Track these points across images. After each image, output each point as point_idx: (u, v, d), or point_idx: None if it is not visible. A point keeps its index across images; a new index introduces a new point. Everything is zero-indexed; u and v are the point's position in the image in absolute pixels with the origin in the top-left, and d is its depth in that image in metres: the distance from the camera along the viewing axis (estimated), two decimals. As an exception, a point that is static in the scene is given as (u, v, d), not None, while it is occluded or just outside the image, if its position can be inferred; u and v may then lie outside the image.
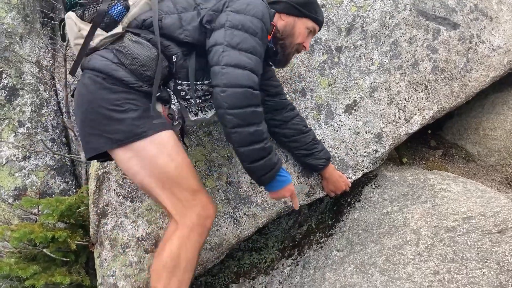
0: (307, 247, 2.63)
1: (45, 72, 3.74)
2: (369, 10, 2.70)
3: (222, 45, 1.74)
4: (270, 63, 2.21)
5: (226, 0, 1.87)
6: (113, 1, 1.85)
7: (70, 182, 3.57)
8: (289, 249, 2.75)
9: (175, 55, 1.85)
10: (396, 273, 1.83)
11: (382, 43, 2.67)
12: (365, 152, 2.57)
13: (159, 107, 1.88)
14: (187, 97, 1.96)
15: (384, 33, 2.68)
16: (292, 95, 2.59)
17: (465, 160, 3.09)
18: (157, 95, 1.82)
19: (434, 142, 3.30)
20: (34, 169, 3.44)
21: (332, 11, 2.69)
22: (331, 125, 2.58)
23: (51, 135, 3.62)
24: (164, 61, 1.82)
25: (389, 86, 2.63)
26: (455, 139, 3.27)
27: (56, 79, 3.81)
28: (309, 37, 2.16)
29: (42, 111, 3.62)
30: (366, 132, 2.58)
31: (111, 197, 2.45)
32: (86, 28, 1.83)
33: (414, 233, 1.99)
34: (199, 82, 1.94)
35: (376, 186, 2.60)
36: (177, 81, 1.91)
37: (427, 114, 2.67)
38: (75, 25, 1.84)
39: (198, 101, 2.00)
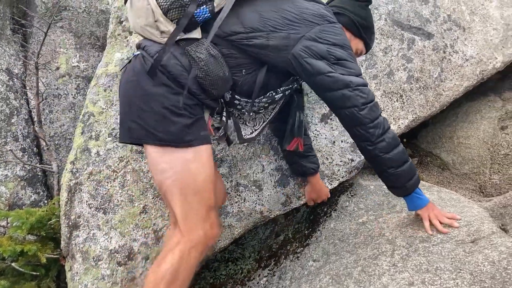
0: (283, 257, 2.61)
1: (15, 80, 3.64)
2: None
3: (339, 74, 1.76)
4: None
5: (320, 31, 1.79)
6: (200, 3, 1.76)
7: (42, 193, 3.47)
8: (265, 260, 2.72)
9: (244, 70, 1.85)
10: (372, 284, 1.82)
11: (358, 52, 2.68)
12: (341, 161, 2.57)
13: (206, 116, 1.88)
14: (242, 110, 1.98)
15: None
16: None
17: (440, 168, 3.12)
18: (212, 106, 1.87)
19: (410, 150, 3.32)
20: (3, 180, 3.33)
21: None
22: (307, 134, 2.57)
23: (21, 145, 3.51)
24: (231, 81, 1.84)
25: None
26: (430, 147, 3.31)
27: (28, 87, 3.72)
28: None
29: (12, 120, 3.52)
30: (342, 141, 2.58)
31: (83, 209, 2.38)
32: (166, 24, 1.75)
33: (389, 243, 1.98)
34: (257, 100, 1.94)
35: (352, 195, 2.60)
36: (235, 95, 1.91)
37: (402, 123, 2.69)
38: (151, 13, 1.73)
39: (252, 114, 2.03)
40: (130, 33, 2.55)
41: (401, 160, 1.83)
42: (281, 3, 1.84)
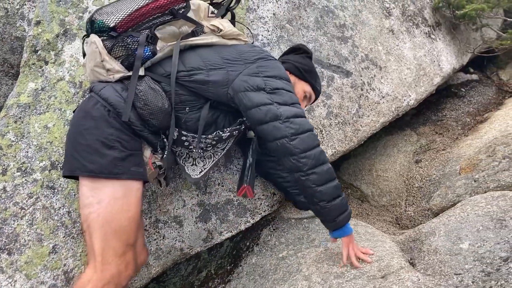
0: (205, 294, 2.55)
1: None
2: (267, 56, 2.77)
3: (273, 104, 1.85)
4: None
5: (257, 66, 1.95)
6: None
7: None
8: (187, 297, 2.65)
9: (187, 108, 1.95)
10: (287, 322, 1.81)
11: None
12: (263, 195, 2.58)
13: (148, 153, 1.96)
14: (190, 147, 2.05)
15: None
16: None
17: (360, 200, 3.23)
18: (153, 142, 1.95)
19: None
20: None
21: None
22: (229, 168, 2.56)
23: None
24: (172, 114, 1.91)
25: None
26: (351, 179, 3.43)
27: None
28: (304, 101, 2.23)
29: None
30: (264, 175, 2.60)
31: (-15, 250, 2.20)
32: (110, 62, 1.90)
33: (305, 279, 1.99)
34: (204, 136, 2.01)
35: (274, 229, 2.61)
36: (182, 131, 1.98)
37: (322, 157, 2.76)
38: (99, 54, 1.89)
39: (199, 151, 2.10)
40: (46, 62, 2.45)
41: (333, 194, 1.86)
42: (222, 48, 2.04)
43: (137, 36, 1.91)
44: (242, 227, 2.53)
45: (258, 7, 2.80)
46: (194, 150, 2.07)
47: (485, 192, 2.35)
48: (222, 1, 2.28)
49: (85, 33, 2.08)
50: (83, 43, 2.07)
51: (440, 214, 2.31)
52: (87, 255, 2.00)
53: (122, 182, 1.80)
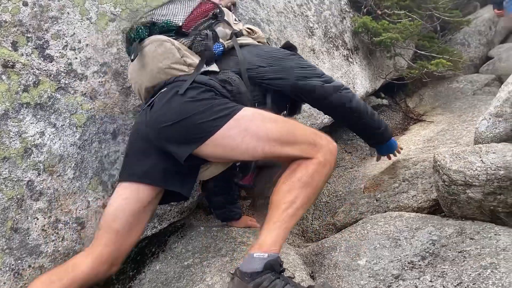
0: (103, 301, 2.43)
1: None
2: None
3: (324, 84, 2.25)
4: None
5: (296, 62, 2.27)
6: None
7: None
8: (83, 303, 2.50)
9: (256, 103, 2.08)
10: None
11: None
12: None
13: None
14: None
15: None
16: (102, 136, 2.43)
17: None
18: None
19: (245, 192, 3.45)
20: None
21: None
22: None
23: None
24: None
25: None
26: (264, 190, 3.47)
27: None
28: None
29: None
30: (176, 180, 2.55)
31: None
32: (191, 57, 2.01)
33: (208, 289, 1.98)
34: None
35: (181, 237, 2.57)
36: None
37: (237, 167, 2.78)
38: (177, 51, 1.97)
39: None
40: None
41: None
42: (260, 48, 2.29)
43: (204, 34, 2.08)
44: (149, 233, 2.45)
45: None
46: None
47: (385, 211, 2.51)
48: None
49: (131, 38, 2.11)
50: (131, 49, 2.08)
51: (343, 230, 2.43)
52: None
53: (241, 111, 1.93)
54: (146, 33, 2.05)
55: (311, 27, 3.50)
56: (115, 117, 2.49)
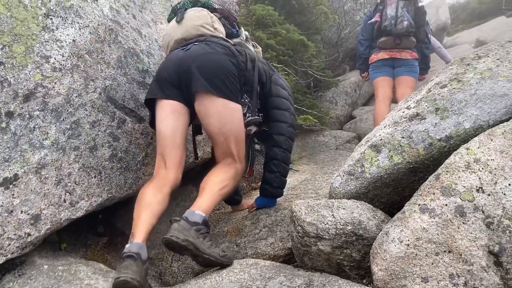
0: None
1: None
2: (55, 83, 2.52)
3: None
4: None
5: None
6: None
7: None
8: None
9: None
10: None
11: (63, 119, 2.51)
12: (15, 234, 2.25)
13: None
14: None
15: (67, 110, 2.54)
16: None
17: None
18: None
19: (103, 228, 3.23)
20: None
21: (11, 72, 2.38)
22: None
23: None
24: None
25: (61, 166, 2.46)
26: (125, 227, 3.28)
27: None
28: None
29: None
30: (22, 211, 2.29)
31: None
32: (218, 24, 2.85)
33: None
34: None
35: (19, 275, 2.28)
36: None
37: (95, 201, 2.60)
38: (209, 17, 2.79)
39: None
40: None
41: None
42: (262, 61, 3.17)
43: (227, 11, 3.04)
44: (-22, 270, 2.14)
45: (57, 28, 2.58)
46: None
47: (243, 257, 2.52)
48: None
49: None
50: (179, 13, 2.81)
51: (200, 275, 2.37)
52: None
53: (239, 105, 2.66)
54: (190, 6, 2.85)
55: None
56: None
